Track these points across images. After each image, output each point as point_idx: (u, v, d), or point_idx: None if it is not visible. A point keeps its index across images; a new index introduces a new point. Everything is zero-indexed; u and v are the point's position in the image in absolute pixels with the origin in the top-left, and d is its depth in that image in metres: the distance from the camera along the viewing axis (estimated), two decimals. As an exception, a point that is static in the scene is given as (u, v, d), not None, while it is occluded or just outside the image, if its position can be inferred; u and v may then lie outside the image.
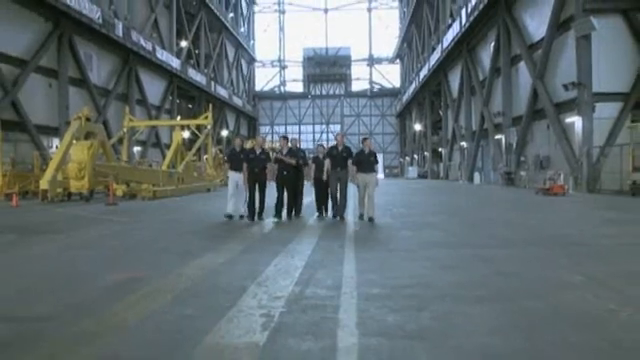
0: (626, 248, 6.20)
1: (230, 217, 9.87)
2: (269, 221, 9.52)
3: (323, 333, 3.04)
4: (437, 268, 4.94)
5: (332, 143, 10.77)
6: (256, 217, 9.78)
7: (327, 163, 9.79)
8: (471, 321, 3.23)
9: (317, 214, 10.21)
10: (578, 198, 16.00)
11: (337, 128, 69.90)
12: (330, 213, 10.13)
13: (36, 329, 3.17)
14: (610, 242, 6.63)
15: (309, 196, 11.11)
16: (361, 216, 9.52)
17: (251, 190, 9.76)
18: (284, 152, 9.89)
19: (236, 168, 10.03)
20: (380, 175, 10.24)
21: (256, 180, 9.77)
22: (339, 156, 9.75)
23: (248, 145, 9.52)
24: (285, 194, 9.94)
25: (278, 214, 9.70)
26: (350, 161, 9.65)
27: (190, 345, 2.86)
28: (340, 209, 9.75)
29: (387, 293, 4.02)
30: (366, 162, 9.52)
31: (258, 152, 9.91)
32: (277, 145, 29.13)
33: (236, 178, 9.99)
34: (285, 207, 9.97)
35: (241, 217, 9.93)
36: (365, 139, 9.98)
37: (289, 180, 9.87)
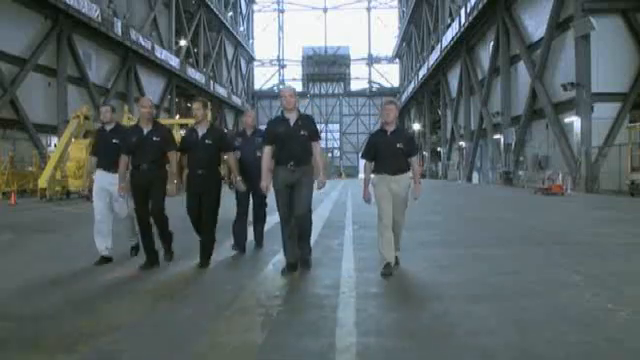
0: (625, 247, 6.19)
1: (108, 260, 5.29)
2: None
3: (321, 332, 3.04)
4: (436, 267, 4.94)
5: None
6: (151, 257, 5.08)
7: (266, 153, 4.80)
8: (470, 321, 3.23)
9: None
10: (576, 198, 16.01)
11: (336, 127, 69.90)
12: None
13: (35, 328, 3.17)
14: (609, 241, 6.63)
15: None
16: (387, 266, 4.54)
17: (140, 206, 5.09)
18: (199, 133, 5.17)
19: (107, 165, 5.36)
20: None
21: (144, 186, 5.03)
22: (292, 136, 4.68)
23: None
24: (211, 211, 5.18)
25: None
26: (316, 151, 4.82)
27: (189, 344, 2.86)
28: (302, 245, 4.85)
29: (386, 292, 4.02)
30: (391, 152, 4.75)
31: (147, 131, 5.08)
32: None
33: (107, 184, 5.33)
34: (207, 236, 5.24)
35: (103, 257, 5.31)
36: (389, 104, 4.96)
37: (209, 185, 5.13)
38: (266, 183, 4.76)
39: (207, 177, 5.09)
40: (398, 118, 4.92)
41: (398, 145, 4.75)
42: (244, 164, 5.66)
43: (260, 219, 6.19)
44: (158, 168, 5.09)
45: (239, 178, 5.37)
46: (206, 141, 5.12)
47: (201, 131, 5.18)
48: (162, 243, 5.28)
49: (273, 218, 6.05)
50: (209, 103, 5.18)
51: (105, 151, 5.41)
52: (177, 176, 5.22)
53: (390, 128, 4.85)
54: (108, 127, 5.52)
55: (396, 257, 4.82)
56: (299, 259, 4.77)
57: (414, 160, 4.89)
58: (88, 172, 6.05)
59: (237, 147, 5.74)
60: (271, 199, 5.08)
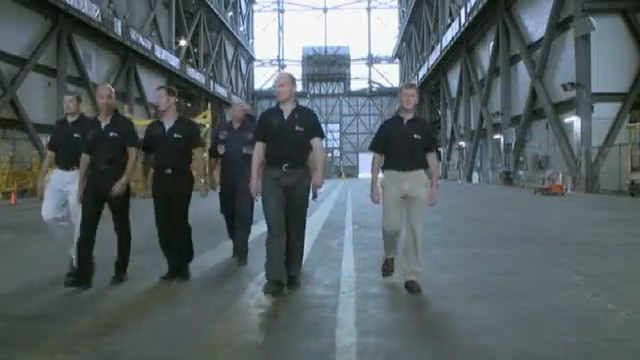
0: (625, 247, 6.19)
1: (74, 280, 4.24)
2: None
3: (322, 332, 3.03)
4: (435, 267, 4.94)
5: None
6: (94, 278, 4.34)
7: (256, 150, 4.08)
8: (470, 321, 3.23)
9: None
10: (576, 198, 16.01)
11: (336, 127, 69.84)
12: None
13: (35, 328, 3.16)
14: (609, 241, 6.63)
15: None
16: (386, 269, 4.33)
17: (88, 213, 4.29)
18: (165, 127, 4.48)
19: (66, 163, 4.57)
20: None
21: (101, 189, 4.27)
22: (285, 131, 3.99)
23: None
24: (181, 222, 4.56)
25: (171, 270, 4.50)
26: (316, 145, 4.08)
27: (189, 344, 2.85)
28: (293, 263, 4.13)
29: (386, 292, 4.02)
30: (407, 144, 4.05)
31: (104, 125, 4.37)
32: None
33: (62, 184, 4.55)
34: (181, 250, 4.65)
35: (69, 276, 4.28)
36: (409, 88, 4.16)
37: (180, 187, 4.45)
38: (255, 184, 4.02)
39: (177, 177, 4.38)
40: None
41: (415, 136, 4.02)
42: (228, 162, 5.12)
43: (244, 225, 5.14)
44: (118, 168, 4.29)
45: (202, 180, 4.72)
46: (175, 135, 4.41)
47: (168, 124, 4.45)
48: (118, 258, 4.52)
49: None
50: (176, 90, 4.84)
51: (65, 147, 4.56)
52: (142, 177, 4.69)
53: (408, 116, 4.09)
54: (71, 119, 4.64)
55: (413, 281, 3.93)
56: (286, 277, 3.99)
57: (432, 157, 4.10)
58: (44, 169, 5.19)
59: (222, 141, 5.19)
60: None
